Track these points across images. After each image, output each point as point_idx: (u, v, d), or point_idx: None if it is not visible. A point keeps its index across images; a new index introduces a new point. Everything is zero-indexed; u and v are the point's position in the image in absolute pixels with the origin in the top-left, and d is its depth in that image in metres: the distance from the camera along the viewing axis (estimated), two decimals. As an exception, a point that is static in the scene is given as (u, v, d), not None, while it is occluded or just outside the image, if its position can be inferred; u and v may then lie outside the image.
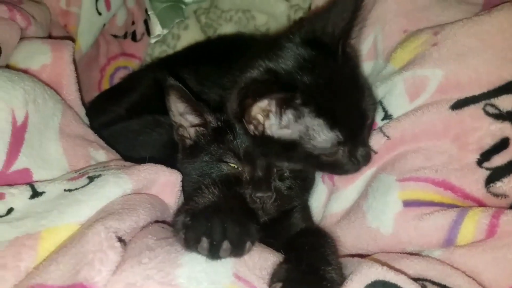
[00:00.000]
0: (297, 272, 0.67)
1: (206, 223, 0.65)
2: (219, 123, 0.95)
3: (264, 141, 0.88)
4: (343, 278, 0.70)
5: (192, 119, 0.97)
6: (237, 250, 0.64)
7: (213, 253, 0.62)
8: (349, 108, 0.87)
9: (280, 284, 0.64)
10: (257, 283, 0.63)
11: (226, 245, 0.63)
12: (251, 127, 0.88)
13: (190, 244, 0.63)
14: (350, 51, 0.96)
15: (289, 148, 0.87)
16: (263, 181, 0.90)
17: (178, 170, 0.84)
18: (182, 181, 0.84)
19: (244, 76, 0.90)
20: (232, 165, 0.92)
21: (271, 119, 0.86)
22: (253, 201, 0.88)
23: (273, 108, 0.84)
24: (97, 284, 0.55)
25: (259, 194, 0.88)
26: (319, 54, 0.88)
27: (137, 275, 0.58)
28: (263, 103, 0.83)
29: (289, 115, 0.85)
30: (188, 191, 0.89)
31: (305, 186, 0.99)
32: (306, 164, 0.92)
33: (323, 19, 0.91)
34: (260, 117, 0.86)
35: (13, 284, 0.59)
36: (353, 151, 0.88)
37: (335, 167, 0.91)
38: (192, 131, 0.98)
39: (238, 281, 0.62)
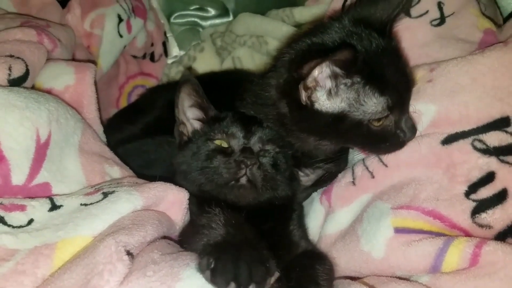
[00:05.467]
0: None
1: (233, 270, 0.67)
2: (216, 117, 1.05)
3: (312, 115, 0.92)
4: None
5: (197, 113, 1.06)
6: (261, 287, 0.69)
7: None
8: (396, 75, 0.91)
9: None
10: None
11: (252, 287, 0.67)
12: (304, 95, 0.90)
13: (219, 285, 0.66)
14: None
15: (337, 120, 0.90)
16: (247, 149, 0.96)
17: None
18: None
19: (294, 49, 0.96)
20: (220, 142, 0.99)
21: (325, 87, 0.89)
22: (237, 166, 0.93)
23: (328, 73, 0.87)
24: (105, 293, 0.61)
25: (243, 156, 0.93)
26: (367, 29, 0.94)
27: (141, 286, 0.64)
28: (323, 67, 0.86)
29: (341, 85, 0.88)
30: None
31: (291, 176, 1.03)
32: (354, 137, 0.94)
33: (370, 8, 0.98)
34: (313, 85, 0.89)
35: (30, 289, 0.66)
36: (399, 121, 0.92)
37: (382, 140, 0.93)
38: (190, 126, 1.07)
39: (233, 298, 0.67)
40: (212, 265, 0.67)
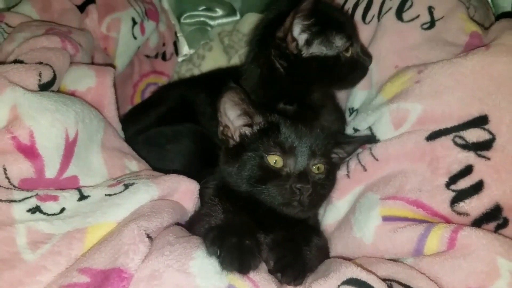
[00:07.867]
0: (282, 250, 0.88)
1: (237, 254, 0.80)
2: (266, 124, 1.04)
3: (302, 62, 1.18)
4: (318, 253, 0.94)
5: (242, 120, 1.05)
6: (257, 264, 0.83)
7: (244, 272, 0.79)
8: (343, 17, 1.27)
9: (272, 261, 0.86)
10: (252, 275, 0.80)
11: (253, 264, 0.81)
12: (293, 46, 1.17)
13: (226, 267, 0.78)
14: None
15: (320, 61, 1.19)
16: (303, 174, 0.98)
17: (201, 175, 1.02)
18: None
19: (258, 29, 1.30)
20: (274, 159, 0.98)
21: (304, 38, 1.17)
22: (292, 193, 0.95)
23: (300, 28, 1.16)
24: (130, 269, 0.72)
25: (299, 185, 0.95)
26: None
27: (160, 264, 0.75)
28: (297, 22, 1.15)
29: (314, 35, 1.18)
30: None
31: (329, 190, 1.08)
32: (334, 73, 1.22)
33: None
34: (297, 37, 1.17)
35: (65, 267, 0.76)
36: (357, 48, 1.23)
37: (353, 68, 1.22)
38: (237, 132, 1.06)
39: (238, 273, 0.79)
40: (218, 253, 0.79)
